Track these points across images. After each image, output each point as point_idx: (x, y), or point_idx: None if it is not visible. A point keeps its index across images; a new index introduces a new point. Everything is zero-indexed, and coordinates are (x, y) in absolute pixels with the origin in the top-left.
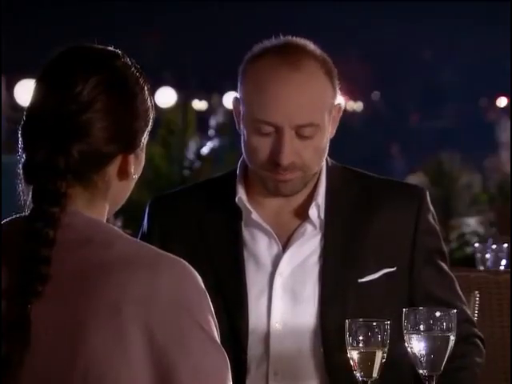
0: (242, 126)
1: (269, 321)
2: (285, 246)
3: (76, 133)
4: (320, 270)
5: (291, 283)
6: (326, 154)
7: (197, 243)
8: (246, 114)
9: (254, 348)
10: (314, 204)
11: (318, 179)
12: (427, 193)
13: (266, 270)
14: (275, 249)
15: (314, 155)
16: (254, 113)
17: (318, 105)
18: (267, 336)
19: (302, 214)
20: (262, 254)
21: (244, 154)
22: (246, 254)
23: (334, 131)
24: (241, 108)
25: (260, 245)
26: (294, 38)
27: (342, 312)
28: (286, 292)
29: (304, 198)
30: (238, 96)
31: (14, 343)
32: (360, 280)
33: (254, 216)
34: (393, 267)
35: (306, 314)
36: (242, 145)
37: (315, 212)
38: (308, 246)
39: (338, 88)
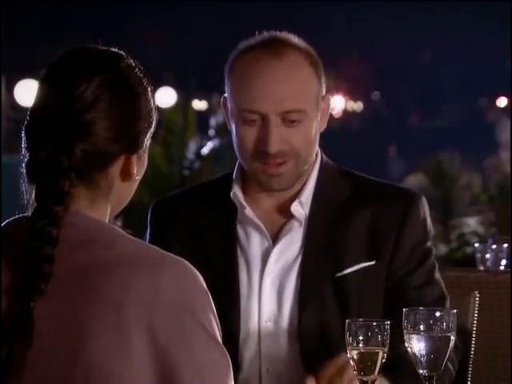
0: (231, 123)
1: (259, 319)
2: (274, 243)
3: (79, 132)
4: (299, 266)
5: (278, 281)
6: (316, 145)
7: (194, 244)
8: (233, 107)
9: (246, 346)
10: (297, 201)
11: (309, 176)
12: (422, 198)
13: (257, 268)
14: (266, 246)
15: (303, 142)
16: (240, 103)
17: (302, 92)
18: (258, 334)
19: (289, 210)
20: (254, 253)
21: (235, 150)
22: (239, 252)
23: (325, 124)
24: (228, 104)
25: (252, 243)
26: (279, 32)
27: (318, 307)
28: (273, 290)
29: (294, 195)
30: (226, 94)
31: (16, 341)
32: (337, 274)
33: (248, 211)
34: (371, 261)
35: (291, 311)
36: (233, 141)
37: (299, 208)
38: (295, 244)
39: (324, 81)
